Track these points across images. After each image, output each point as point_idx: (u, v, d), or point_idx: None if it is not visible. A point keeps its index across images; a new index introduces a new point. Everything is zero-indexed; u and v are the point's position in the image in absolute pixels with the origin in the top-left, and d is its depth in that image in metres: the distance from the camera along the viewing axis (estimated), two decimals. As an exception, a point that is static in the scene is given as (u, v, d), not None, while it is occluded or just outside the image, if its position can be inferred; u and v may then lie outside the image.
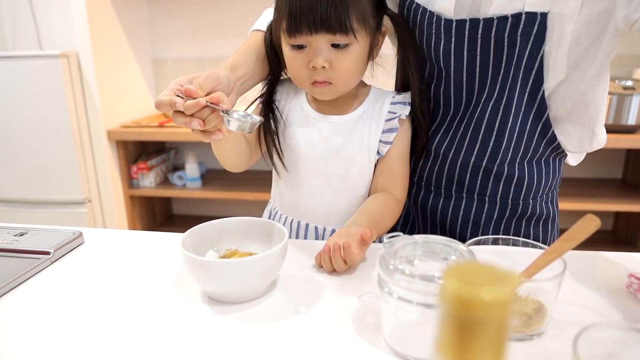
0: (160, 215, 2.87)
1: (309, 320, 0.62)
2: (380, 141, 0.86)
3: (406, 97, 0.87)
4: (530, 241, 0.63)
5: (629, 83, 2.07)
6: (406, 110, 0.86)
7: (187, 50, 2.73)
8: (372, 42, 0.82)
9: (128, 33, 2.52)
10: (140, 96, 2.70)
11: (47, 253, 0.79)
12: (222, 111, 0.70)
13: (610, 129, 2.04)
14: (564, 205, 2.18)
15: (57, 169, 2.31)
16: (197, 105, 0.68)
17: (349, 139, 0.86)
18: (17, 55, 2.19)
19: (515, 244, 0.64)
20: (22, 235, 0.85)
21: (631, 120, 2.02)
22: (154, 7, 2.69)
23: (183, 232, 0.71)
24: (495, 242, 0.64)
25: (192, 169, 2.52)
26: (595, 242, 0.61)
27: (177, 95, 0.70)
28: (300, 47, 0.78)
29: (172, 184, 2.59)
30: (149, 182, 2.53)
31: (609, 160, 2.51)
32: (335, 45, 0.77)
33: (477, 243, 0.63)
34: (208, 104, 0.69)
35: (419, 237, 0.56)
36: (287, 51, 0.80)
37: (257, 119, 0.72)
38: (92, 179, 2.38)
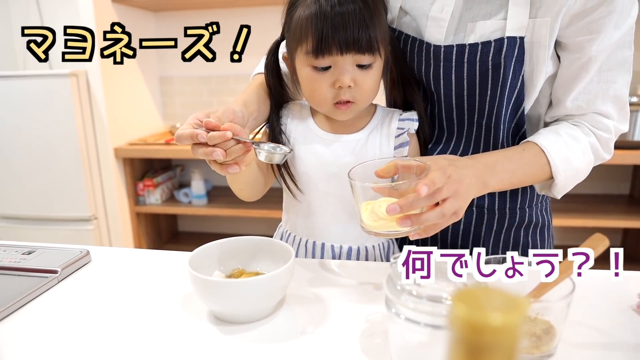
0: (166, 232, 2.87)
1: (316, 340, 0.62)
2: (394, 157, 0.87)
3: (412, 114, 0.88)
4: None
5: (634, 99, 2.07)
6: (414, 125, 0.87)
7: (193, 69, 2.76)
8: (386, 61, 0.84)
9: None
10: (147, 114, 2.73)
11: (55, 272, 0.79)
12: (253, 143, 0.72)
13: (616, 145, 2.03)
14: (572, 221, 2.17)
15: (64, 186, 2.33)
16: (223, 136, 0.69)
17: (362, 157, 0.86)
18: (28, 74, 2.24)
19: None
20: (29, 253, 0.86)
21: (637, 137, 2.01)
22: (161, 26, 2.74)
23: (189, 249, 0.72)
24: (503, 261, 0.63)
25: (198, 186, 2.53)
26: (604, 259, 0.60)
27: (199, 127, 0.70)
28: (325, 68, 0.78)
29: (178, 201, 2.60)
30: (155, 199, 2.54)
31: (616, 176, 2.50)
32: (359, 66, 0.77)
33: (486, 262, 0.62)
34: (233, 136, 0.70)
35: (426, 257, 0.56)
36: (307, 72, 0.79)
37: (287, 149, 0.74)
38: (99, 196, 2.39)
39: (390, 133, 0.87)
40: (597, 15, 0.73)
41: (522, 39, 0.77)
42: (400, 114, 0.89)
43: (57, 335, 0.64)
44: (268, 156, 0.72)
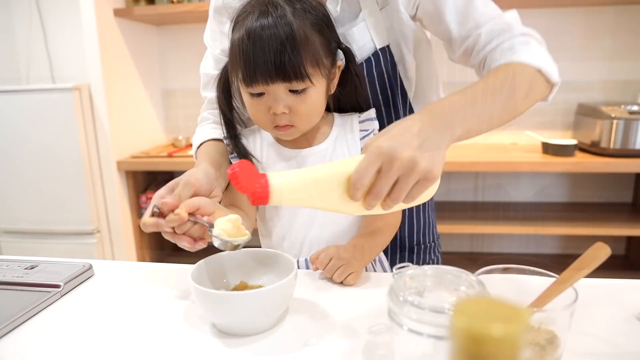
0: (168, 244, 2.85)
1: (320, 352, 0.61)
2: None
3: (370, 113, 0.89)
4: (542, 270, 0.62)
5: (635, 108, 2.08)
6: (375, 124, 0.88)
7: (196, 81, 2.76)
8: (329, 79, 0.83)
9: (138, 65, 2.58)
10: (150, 127, 2.74)
11: (57, 286, 0.79)
12: (210, 226, 0.72)
13: (618, 154, 2.05)
14: (575, 230, 2.17)
15: (67, 200, 2.33)
16: (180, 219, 0.70)
17: None
18: (31, 88, 2.25)
19: (525, 272, 0.63)
20: (32, 268, 0.86)
21: (639, 145, 2.01)
22: (164, 39, 2.76)
23: (191, 261, 0.72)
24: (505, 271, 0.63)
25: (200, 198, 2.53)
26: (608, 267, 0.60)
27: (157, 209, 0.72)
28: (259, 94, 0.77)
29: (181, 214, 2.59)
30: (157, 211, 2.54)
31: (618, 185, 2.49)
32: (293, 91, 0.76)
33: (487, 272, 0.62)
34: (189, 219, 0.71)
35: (428, 268, 0.56)
36: (246, 98, 0.80)
37: (240, 240, 0.71)
38: (102, 209, 2.40)
39: (354, 137, 0.88)
40: None
41: (388, 46, 0.88)
42: (359, 116, 0.89)
43: (61, 350, 0.64)
44: (222, 244, 0.71)
